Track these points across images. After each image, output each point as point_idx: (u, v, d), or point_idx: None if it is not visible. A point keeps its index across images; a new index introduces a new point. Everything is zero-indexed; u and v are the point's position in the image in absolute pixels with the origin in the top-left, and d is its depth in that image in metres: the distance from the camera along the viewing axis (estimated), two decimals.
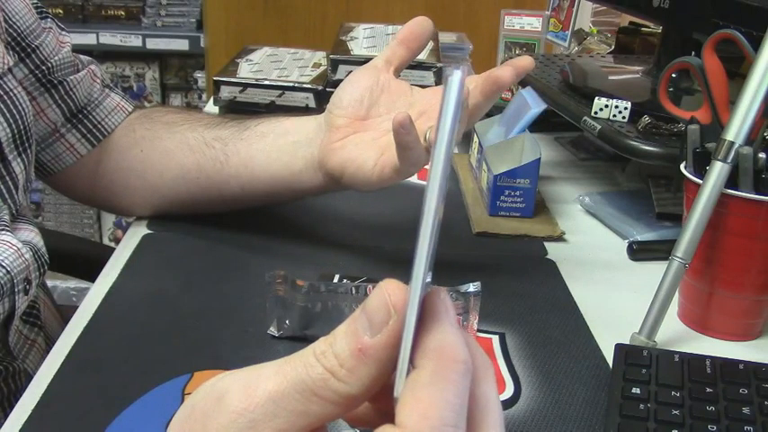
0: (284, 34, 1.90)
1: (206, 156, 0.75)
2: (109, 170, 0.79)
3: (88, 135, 0.78)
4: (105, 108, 0.80)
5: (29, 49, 0.73)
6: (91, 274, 0.71)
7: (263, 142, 0.73)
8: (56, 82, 0.75)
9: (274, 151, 0.72)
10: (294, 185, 0.73)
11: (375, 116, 0.69)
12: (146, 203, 0.79)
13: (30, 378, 0.65)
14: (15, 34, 0.72)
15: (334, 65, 1.03)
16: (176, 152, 0.76)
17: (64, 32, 0.79)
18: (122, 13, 2.24)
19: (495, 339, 0.63)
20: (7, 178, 0.66)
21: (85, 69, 0.79)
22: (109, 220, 2.38)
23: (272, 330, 0.61)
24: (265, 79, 1.06)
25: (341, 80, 1.01)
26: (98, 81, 0.80)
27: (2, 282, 0.61)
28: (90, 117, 0.78)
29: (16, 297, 0.63)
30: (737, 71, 0.74)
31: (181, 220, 0.79)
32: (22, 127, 0.67)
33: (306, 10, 1.94)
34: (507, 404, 0.55)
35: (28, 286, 0.64)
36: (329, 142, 0.68)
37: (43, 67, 0.74)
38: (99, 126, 0.79)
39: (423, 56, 1.01)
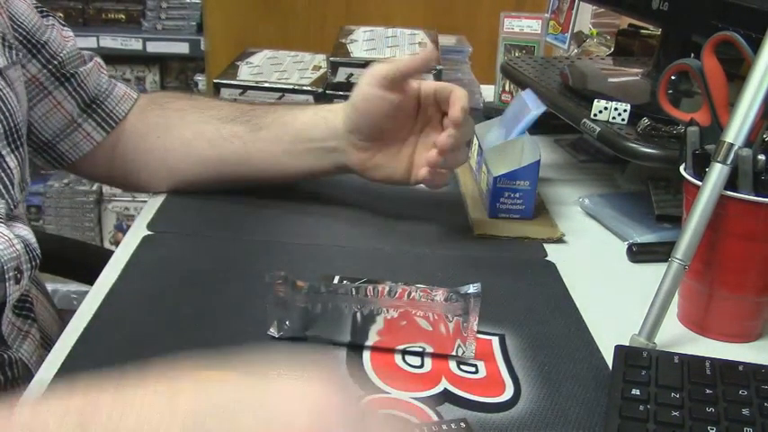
0: (284, 37, 1.90)
1: (227, 150, 0.82)
2: (128, 152, 0.84)
3: (102, 123, 0.83)
4: (115, 97, 0.84)
5: (39, 46, 0.77)
6: (91, 278, 0.71)
7: (283, 145, 0.81)
8: (68, 75, 0.80)
9: (301, 155, 0.81)
10: (320, 177, 0.84)
11: (391, 135, 0.78)
12: (164, 182, 0.85)
13: (26, 367, 0.67)
14: (24, 32, 0.75)
15: (333, 67, 1.03)
16: (195, 144, 0.82)
17: (66, 29, 0.82)
18: (122, 16, 2.25)
19: (495, 341, 0.63)
20: (2, 174, 0.68)
21: (92, 61, 0.83)
22: (109, 223, 2.38)
23: (273, 331, 0.61)
24: (265, 81, 1.06)
25: (341, 82, 1.02)
26: (104, 72, 0.85)
27: None
28: (103, 106, 0.83)
29: (6, 284, 0.64)
30: (737, 73, 0.74)
31: (181, 220, 0.80)
32: (12, 124, 0.69)
33: (306, 13, 1.94)
34: (507, 405, 0.55)
35: (19, 275, 0.66)
36: (362, 163, 0.79)
37: (54, 62, 0.78)
38: (112, 114, 0.84)
39: None
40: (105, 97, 0.83)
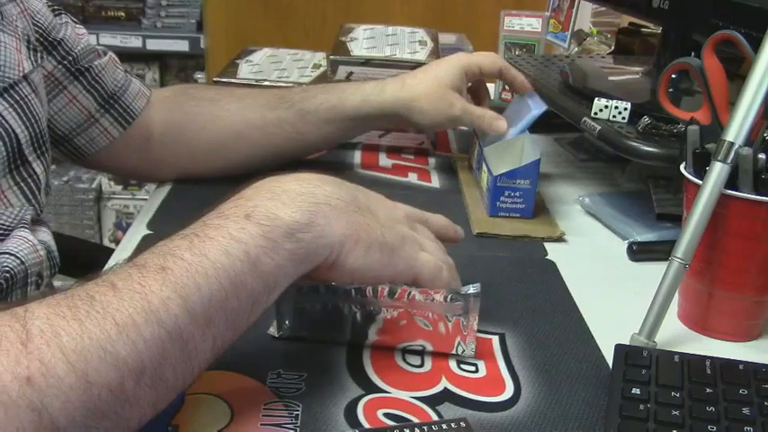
0: (284, 35, 1.90)
1: (280, 137, 0.87)
2: (167, 143, 0.87)
3: (119, 119, 0.83)
4: (131, 93, 0.85)
5: (54, 43, 0.78)
6: None
7: (338, 124, 0.88)
8: (83, 69, 0.80)
9: (357, 129, 0.91)
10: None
11: None
12: (215, 170, 0.87)
13: None
14: (42, 30, 0.76)
15: (333, 66, 1.03)
16: (247, 132, 0.86)
17: (79, 26, 0.83)
18: (122, 14, 2.25)
19: (495, 340, 0.63)
20: (29, 180, 0.69)
21: (107, 56, 0.84)
22: (109, 221, 2.39)
23: (272, 331, 0.61)
24: (265, 80, 1.06)
25: (340, 81, 1.02)
26: (119, 67, 0.86)
27: (16, 271, 0.64)
28: (120, 102, 0.84)
29: (28, 289, 0.65)
30: (737, 72, 0.74)
31: (180, 220, 0.79)
32: (38, 130, 0.70)
33: (306, 11, 1.94)
34: (507, 405, 0.55)
35: (39, 281, 0.67)
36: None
37: (69, 57, 0.79)
38: (129, 109, 0.84)
39: (422, 57, 1.01)
40: (122, 93, 0.84)
